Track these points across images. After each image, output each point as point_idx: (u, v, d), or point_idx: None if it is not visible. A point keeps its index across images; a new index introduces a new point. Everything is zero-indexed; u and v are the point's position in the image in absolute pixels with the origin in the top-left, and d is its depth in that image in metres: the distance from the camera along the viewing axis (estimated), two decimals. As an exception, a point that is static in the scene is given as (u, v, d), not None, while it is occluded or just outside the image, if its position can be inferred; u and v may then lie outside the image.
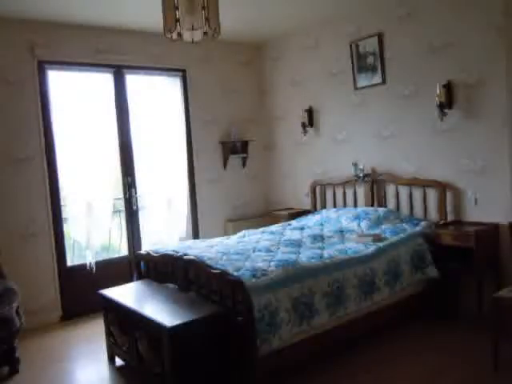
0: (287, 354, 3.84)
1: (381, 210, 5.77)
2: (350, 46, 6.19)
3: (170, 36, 3.68)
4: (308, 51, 6.91)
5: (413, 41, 5.56)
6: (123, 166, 6.50)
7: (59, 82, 6.03)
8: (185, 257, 4.49)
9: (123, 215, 6.63)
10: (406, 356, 4.30)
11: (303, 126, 6.85)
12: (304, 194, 7.16)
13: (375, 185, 6.07)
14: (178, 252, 4.70)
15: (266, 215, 7.48)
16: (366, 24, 6.03)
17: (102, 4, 5.36)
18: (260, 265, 4.14)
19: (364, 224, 5.55)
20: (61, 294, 5.97)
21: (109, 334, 4.58)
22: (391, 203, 5.93)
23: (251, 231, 5.97)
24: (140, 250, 6.33)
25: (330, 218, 6.04)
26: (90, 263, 6.14)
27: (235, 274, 3.87)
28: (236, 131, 7.32)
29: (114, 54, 6.28)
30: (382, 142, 6.02)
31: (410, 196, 5.72)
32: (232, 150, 7.34)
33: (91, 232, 6.19)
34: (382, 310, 4.59)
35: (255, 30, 6.89)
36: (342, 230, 5.59)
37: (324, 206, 6.83)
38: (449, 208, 5.34)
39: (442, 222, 5.28)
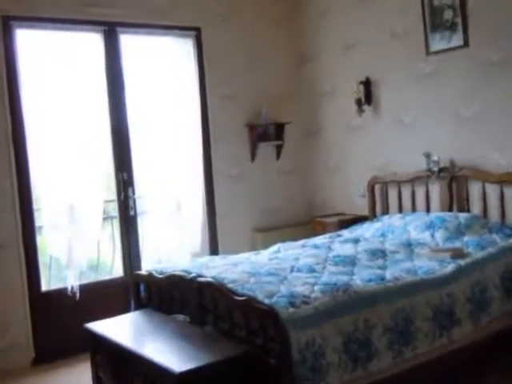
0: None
1: (462, 216, 5.74)
2: (421, -5, 6.16)
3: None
4: (364, 4, 6.90)
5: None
6: (116, 157, 6.55)
7: (31, 44, 6.06)
8: (199, 279, 4.49)
9: (117, 223, 6.70)
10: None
11: (358, 103, 6.85)
12: (359, 195, 7.15)
13: (454, 182, 6.04)
14: (189, 272, 4.70)
15: (307, 223, 7.51)
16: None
17: None
18: (300, 289, 4.13)
19: (439, 235, 5.53)
20: (33, 328, 5.99)
21: (97, 382, 4.60)
22: (476, 207, 5.90)
23: (288, 245, 5.96)
24: (139, 269, 6.38)
25: (393, 227, 6.03)
26: (73, 287, 6.17)
27: (266, 301, 3.86)
28: (267, 111, 7.32)
29: (104, 6, 6.29)
30: (462, 124, 5.97)
31: (502, 197, 5.66)
32: (262, 136, 7.38)
33: (74, 245, 6.22)
34: (462, 349, 4.52)
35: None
36: (409, 243, 5.56)
37: (386, 211, 6.83)
38: (556, 214, 5.30)
39: (546, 232, 5.23)
